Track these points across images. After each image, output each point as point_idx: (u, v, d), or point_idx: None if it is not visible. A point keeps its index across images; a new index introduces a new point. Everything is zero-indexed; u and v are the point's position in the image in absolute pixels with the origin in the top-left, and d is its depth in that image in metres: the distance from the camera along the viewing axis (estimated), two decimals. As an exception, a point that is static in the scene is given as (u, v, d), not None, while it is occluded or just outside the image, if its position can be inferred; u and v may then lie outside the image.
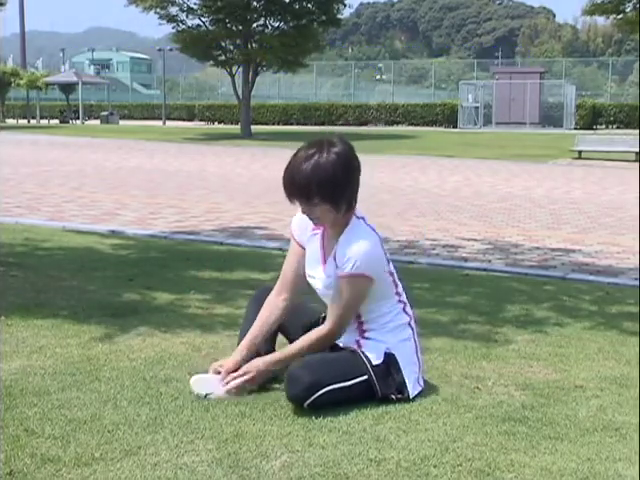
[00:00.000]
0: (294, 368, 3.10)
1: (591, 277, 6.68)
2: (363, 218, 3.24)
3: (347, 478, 2.51)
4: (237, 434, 2.79)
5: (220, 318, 4.51)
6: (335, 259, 3.19)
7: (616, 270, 7.11)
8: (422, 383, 3.30)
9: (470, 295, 5.53)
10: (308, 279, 3.33)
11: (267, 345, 3.36)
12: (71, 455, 2.58)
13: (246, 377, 3.16)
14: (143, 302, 4.87)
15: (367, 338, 3.23)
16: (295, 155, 3.16)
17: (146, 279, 5.58)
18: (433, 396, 3.26)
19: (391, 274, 3.26)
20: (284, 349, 3.29)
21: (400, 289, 3.31)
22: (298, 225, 3.37)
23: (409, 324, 3.30)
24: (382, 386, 3.15)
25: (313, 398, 3.00)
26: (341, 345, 3.28)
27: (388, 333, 3.22)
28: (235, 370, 3.20)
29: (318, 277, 3.27)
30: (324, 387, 3.03)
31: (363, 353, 3.19)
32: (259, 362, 3.20)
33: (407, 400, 3.18)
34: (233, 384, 3.15)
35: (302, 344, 3.21)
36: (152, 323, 4.29)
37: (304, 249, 3.35)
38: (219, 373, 3.23)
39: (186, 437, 2.76)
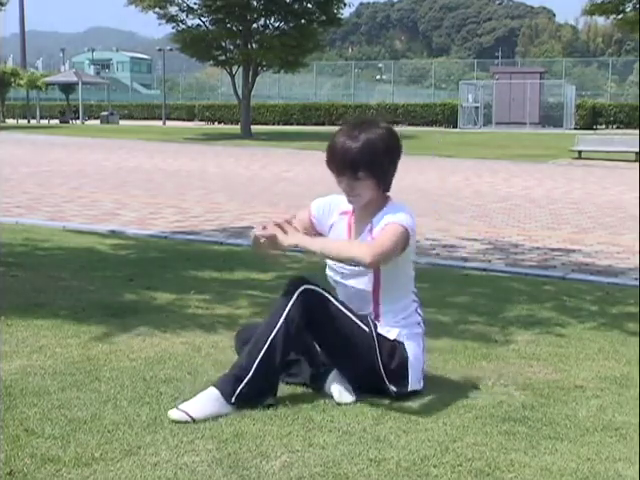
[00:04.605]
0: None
1: (591, 277, 6.67)
2: (402, 205, 3.29)
3: (347, 478, 2.51)
4: (237, 434, 2.79)
5: (220, 318, 4.51)
6: (371, 232, 3.20)
7: (616, 270, 7.11)
8: (422, 384, 3.30)
9: (470, 295, 5.53)
10: (327, 268, 3.34)
11: None
12: (71, 455, 2.58)
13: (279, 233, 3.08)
14: (143, 302, 4.87)
15: (381, 322, 3.25)
16: (340, 132, 3.21)
17: (146, 279, 5.58)
18: (433, 396, 3.26)
19: (413, 268, 3.33)
20: (325, 240, 3.25)
21: (416, 289, 3.37)
22: (323, 206, 3.40)
23: (419, 324, 3.33)
24: (383, 355, 3.16)
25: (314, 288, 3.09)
26: None
27: (400, 325, 3.25)
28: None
29: None
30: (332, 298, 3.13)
31: (375, 325, 3.23)
32: (298, 237, 3.11)
33: (406, 399, 3.18)
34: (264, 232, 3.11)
35: (336, 248, 3.15)
36: (152, 323, 4.29)
37: (312, 228, 3.39)
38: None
39: (186, 437, 2.76)
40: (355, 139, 3.14)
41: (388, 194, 3.30)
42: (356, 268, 3.19)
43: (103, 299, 4.86)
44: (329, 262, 3.32)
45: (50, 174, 16.03)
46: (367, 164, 3.13)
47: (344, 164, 3.14)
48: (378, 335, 3.18)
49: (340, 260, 3.15)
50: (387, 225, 3.14)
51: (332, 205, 3.39)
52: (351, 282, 3.25)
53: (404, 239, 3.13)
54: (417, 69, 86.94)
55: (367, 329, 3.17)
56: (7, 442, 2.66)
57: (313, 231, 3.42)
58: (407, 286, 3.31)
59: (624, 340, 4.36)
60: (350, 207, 3.33)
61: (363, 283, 3.23)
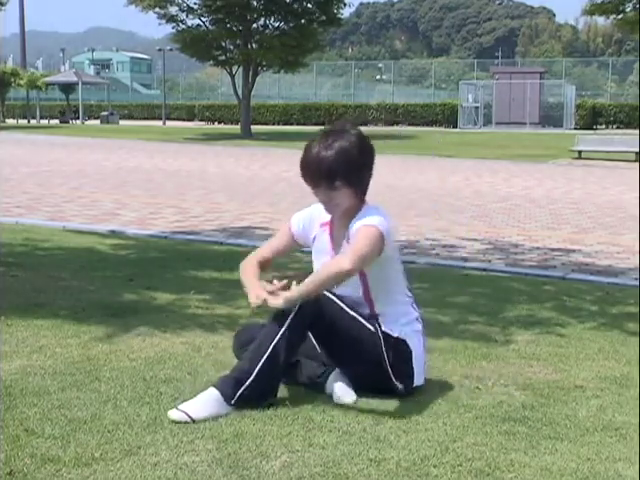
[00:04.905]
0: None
1: (591, 277, 6.67)
2: (376, 207, 3.27)
3: (347, 478, 2.51)
4: (237, 434, 2.79)
5: (220, 318, 4.51)
6: (348, 241, 3.19)
7: (616, 270, 7.11)
8: (423, 379, 3.32)
9: (470, 295, 5.53)
10: None
11: None
12: (71, 455, 2.58)
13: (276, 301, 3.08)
14: (143, 302, 4.87)
15: (381, 322, 3.25)
16: (312, 142, 3.19)
17: (146, 279, 5.58)
18: (433, 396, 3.26)
19: (401, 264, 3.32)
20: (305, 282, 3.10)
21: (408, 284, 3.37)
22: (303, 220, 3.39)
23: (417, 319, 3.34)
24: (389, 353, 3.16)
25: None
26: None
27: (400, 324, 3.25)
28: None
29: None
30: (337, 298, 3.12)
31: (379, 324, 3.22)
32: (284, 295, 3.08)
33: (407, 398, 3.18)
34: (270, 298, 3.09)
35: (320, 279, 3.08)
36: (152, 323, 4.29)
37: (294, 242, 3.41)
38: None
39: (186, 437, 2.76)
40: (328, 148, 3.11)
41: (364, 198, 3.27)
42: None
43: (103, 299, 4.86)
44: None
45: (50, 174, 16.03)
46: (343, 172, 3.11)
47: (320, 174, 3.12)
48: (383, 333, 3.19)
49: (328, 284, 3.09)
50: (359, 229, 3.12)
51: (312, 217, 3.37)
52: (339, 290, 3.23)
53: (379, 241, 3.12)
54: (417, 69, 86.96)
55: (372, 327, 3.18)
56: (7, 442, 2.66)
57: (295, 245, 3.43)
58: (398, 284, 3.31)
59: (624, 340, 4.36)
60: (329, 217, 3.31)
61: (351, 289, 3.22)
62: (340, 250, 3.26)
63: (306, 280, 3.10)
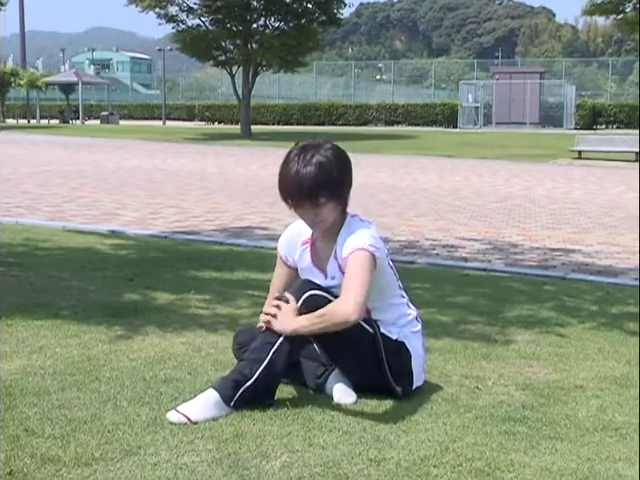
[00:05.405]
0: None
1: (591, 277, 6.67)
2: (357, 215, 3.23)
3: (347, 478, 2.51)
4: (237, 434, 2.79)
5: (220, 318, 4.51)
6: (336, 257, 3.17)
7: (616, 270, 7.11)
8: (423, 380, 3.32)
9: (470, 295, 5.53)
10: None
11: None
12: (71, 455, 2.58)
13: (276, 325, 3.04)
14: (143, 302, 4.87)
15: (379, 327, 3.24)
16: (288, 162, 3.12)
17: (146, 279, 5.58)
18: (433, 396, 3.26)
19: (392, 267, 3.29)
20: (310, 318, 3.00)
21: (401, 285, 3.35)
22: (286, 244, 3.36)
23: (417, 319, 3.34)
24: (388, 356, 3.15)
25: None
26: None
27: (399, 326, 3.25)
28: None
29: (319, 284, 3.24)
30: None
31: (378, 326, 3.20)
32: (285, 324, 3.03)
33: (407, 398, 3.18)
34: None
35: (324, 326, 2.98)
36: (152, 323, 4.29)
37: (291, 268, 3.35)
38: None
39: (186, 437, 2.76)
40: (307, 165, 3.04)
41: (346, 210, 3.22)
42: (331, 282, 3.17)
43: (103, 299, 4.86)
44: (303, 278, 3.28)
45: (50, 174, 16.03)
46: (325, 188, 3.05)
47: (301, 193, 3.05)
48: (382, 335, 3.18)
49: (333, 330, 2.99)
50: (351, 256, 3.05)
51: (293, 238, 3.33)
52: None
53: (372, 262, 3.06)
54: (417, 69, 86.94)
55: (371, 330, 3.16)
56: (7, 442, 2.66)
57: (291, 270, 3.36)
58: (392, 288, 3.28)
59: (624, 340, 4.36)
60: (309, 234, 3.27)
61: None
62: (327, 266, 3.21)
63: (313, 316, 3.00)
